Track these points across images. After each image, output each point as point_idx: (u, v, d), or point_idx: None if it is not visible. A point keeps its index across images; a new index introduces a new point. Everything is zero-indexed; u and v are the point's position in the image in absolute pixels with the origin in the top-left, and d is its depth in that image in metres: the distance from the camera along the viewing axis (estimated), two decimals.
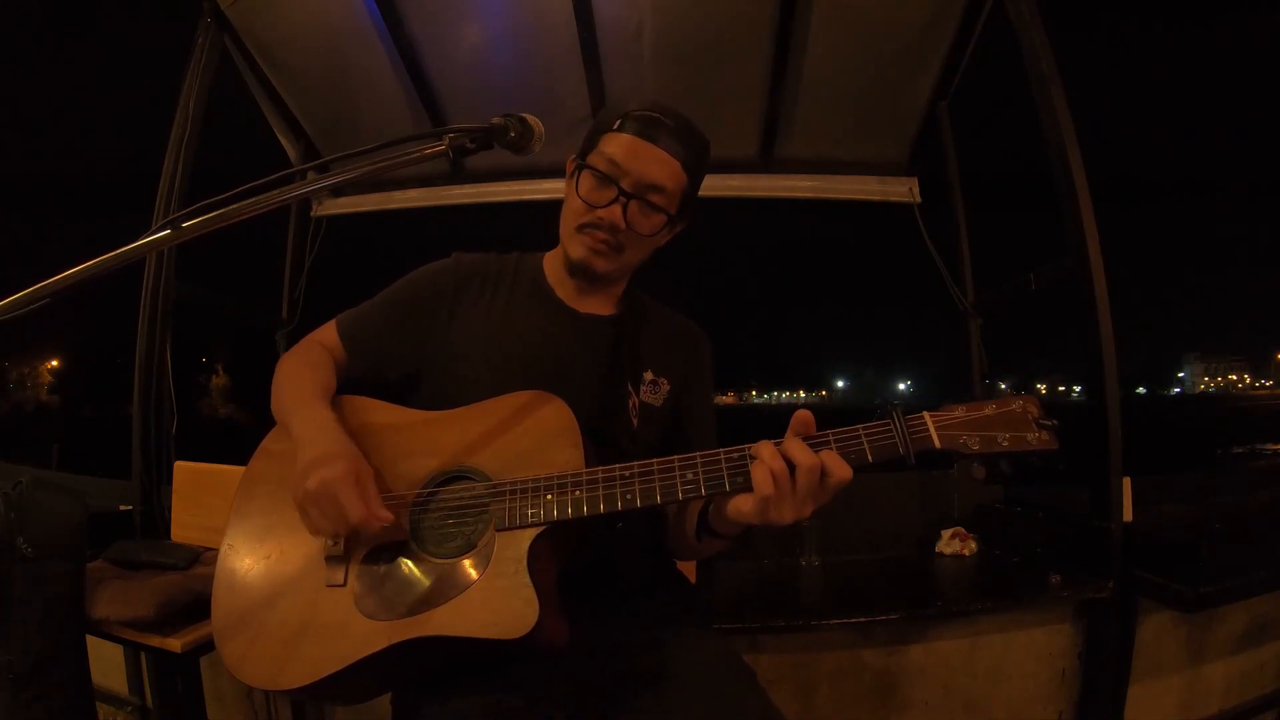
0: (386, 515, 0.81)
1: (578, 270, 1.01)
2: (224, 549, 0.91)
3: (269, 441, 0.98)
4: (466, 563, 0.81)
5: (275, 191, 0.68)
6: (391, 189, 2.83)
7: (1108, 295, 1.75)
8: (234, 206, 0.68)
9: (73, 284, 0.65)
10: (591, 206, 0.96)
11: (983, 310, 2.65)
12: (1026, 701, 1.79)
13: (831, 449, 0.75)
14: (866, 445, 0.75)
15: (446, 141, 0.72)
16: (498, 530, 0.81)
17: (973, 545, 2.09)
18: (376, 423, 0.95)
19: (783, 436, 0.77)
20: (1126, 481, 1.72)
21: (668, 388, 1.05)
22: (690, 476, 0.78)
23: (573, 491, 0.80)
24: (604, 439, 0.91)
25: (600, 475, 0.81)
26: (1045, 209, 2.01)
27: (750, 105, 2.55)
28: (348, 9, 2.27)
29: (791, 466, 0.74)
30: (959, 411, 0.76)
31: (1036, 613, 1.78)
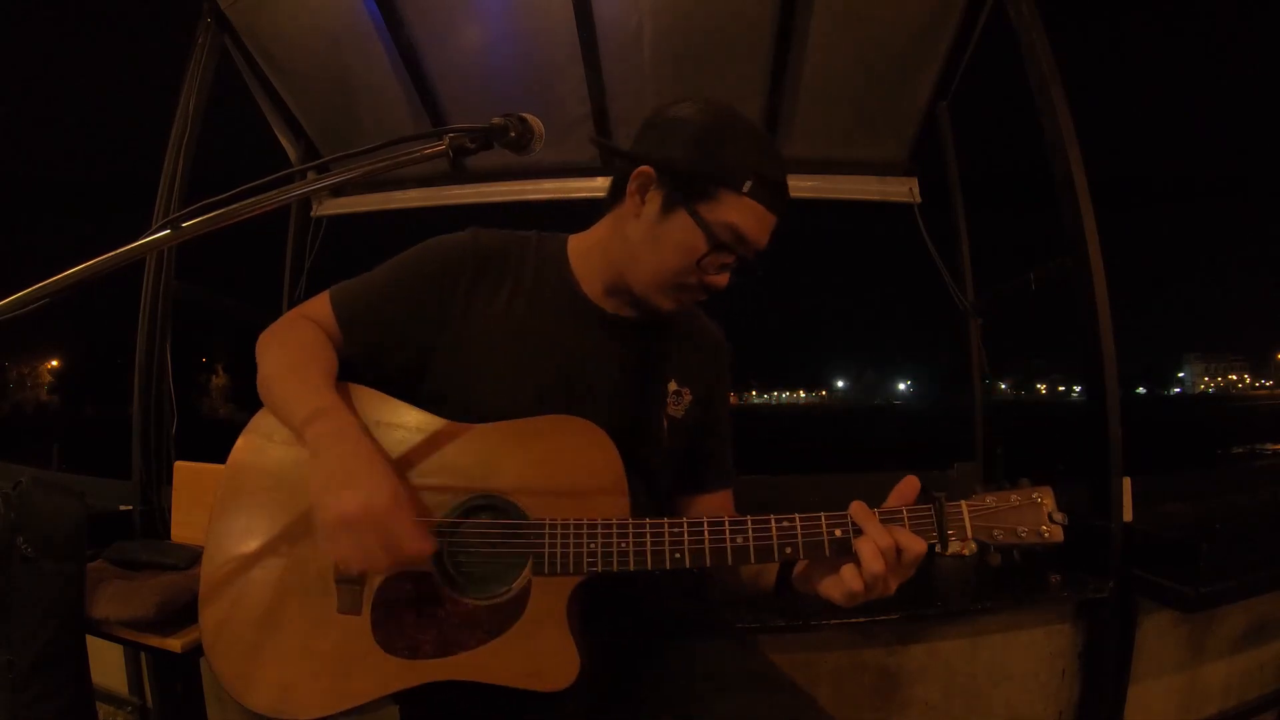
0: (432, 545, 0.74)
1: (652, 312, 0.91)
2: (211, 549, 0.82)
3: (260, 421, 0.87)
4: (501, 606, 0.77)
5: (275, 191, 0.68)
6: (391, 189, 2.82)
7: (1108, 295, 1.75)
8: (234, 206, 0.67)
9: (73, 284, 0.64)
10: (703, 273, 0.86)
11: (983, 310, 2.65)
12: (1026, 701, 1.79)
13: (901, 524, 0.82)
14: (908, 524, 0.83)
15: (446, 141, 0.72)
16: (535, 575, 0.77)
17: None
18: (387, 423, 0.84)
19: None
20: (1126, 481, 1.72)
21: (690, 399, 0.96)
22: (740, 541, 0.76)
23: (619, 543, 0.76)
24: (633, 459, 0.84)
25: (649, 528, 0.76)
26: (1045, 209, 2.00)
27: (750, 105, 2.54)
28: (348, 9, 2.27)
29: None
30: (989, 500, 0.83)
31: (1036, 613, 1.78)
